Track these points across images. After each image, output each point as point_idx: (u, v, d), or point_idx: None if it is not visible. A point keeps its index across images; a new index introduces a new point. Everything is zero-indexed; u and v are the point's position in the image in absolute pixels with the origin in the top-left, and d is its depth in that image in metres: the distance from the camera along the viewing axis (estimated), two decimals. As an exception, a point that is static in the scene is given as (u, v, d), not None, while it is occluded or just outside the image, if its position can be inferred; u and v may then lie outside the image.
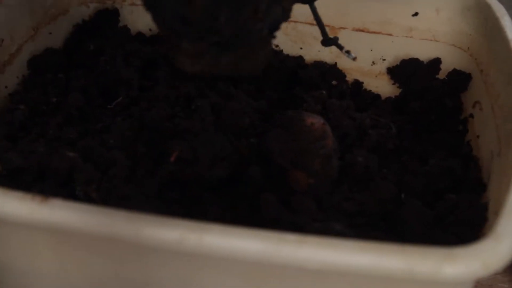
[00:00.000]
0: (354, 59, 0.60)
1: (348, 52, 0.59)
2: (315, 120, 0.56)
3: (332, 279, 0.43)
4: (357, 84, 0.70)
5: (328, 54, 0.71)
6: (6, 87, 0.62)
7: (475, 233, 0.50)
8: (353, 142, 0.58)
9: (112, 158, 0.53)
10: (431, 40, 0.68)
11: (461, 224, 0.52)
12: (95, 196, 0.51)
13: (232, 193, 0.53)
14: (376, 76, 0.71)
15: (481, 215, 0.51)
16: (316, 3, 0.56)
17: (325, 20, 0.57)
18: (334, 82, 0.69)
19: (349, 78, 0.71)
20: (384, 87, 0.70)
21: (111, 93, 0.62)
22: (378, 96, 0.70)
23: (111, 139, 0.56)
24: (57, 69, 0.65)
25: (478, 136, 0.60)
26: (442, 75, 0.68)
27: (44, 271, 0.48)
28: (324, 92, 0.62)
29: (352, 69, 0.71)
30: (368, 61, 0.71)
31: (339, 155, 0.56)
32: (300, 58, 0.71)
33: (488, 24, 0.62)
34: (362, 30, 0.70)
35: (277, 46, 0.72)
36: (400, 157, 0.59)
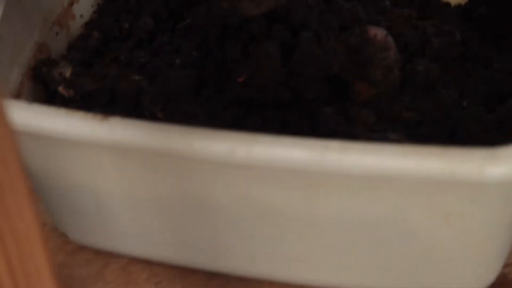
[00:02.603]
0: None
1: None
2: (378, 32, 0.56)
3: (379, 185, 0.44)
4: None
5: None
6: (81, 16, 0.65)
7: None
8: (415, 51, 0.58)
9: (177, 78, 0.55)
10: None
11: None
12: (161, 116, 0.54)
13: (295, 110, 0.54)
14: (445, -16, 0.69)
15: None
16: None
17: None
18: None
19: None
20: (453, -5, 0.69)
21: (182, 16, 0.64)
22: (447, 4, 0.68)
23: (178, 60, 0.58)
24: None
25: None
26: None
27: (113, 190, 0.50)
28: (387, 1, 0.61)
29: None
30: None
31: (401, 66, 0.56)
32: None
33: None
34: None
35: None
36: (463, 65, 0.58)
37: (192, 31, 0.59)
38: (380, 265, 0.50)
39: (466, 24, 0.63)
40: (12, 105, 0.45)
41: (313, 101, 0.54)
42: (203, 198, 0.49)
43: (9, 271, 0.27)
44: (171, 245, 0.54)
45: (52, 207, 0.55)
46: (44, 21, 0.62)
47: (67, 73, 0.58)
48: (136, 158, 0.48)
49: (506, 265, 0.53)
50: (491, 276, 0.51)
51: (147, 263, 0.56)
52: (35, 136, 0.46)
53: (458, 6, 0.67)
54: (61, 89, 0.57)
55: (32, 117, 0.46)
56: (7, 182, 0.25)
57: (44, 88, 0.58)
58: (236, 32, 0.56)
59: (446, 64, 0.58)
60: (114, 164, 0.48)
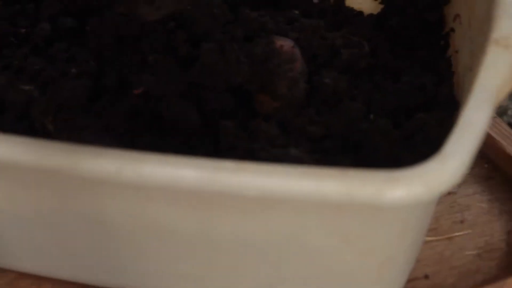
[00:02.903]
0: None
1: None
2: (284, 43, 0.54)
3: (275, 206, 0.42)
4: (339, 1, 0.67)
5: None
6: (-25, 19, 0.62)
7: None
8: (323, 63, 0.56)
9: (71, 88, 0.52)
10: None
11: (429, 144, 0.50)
12: (51, 128, 0.51)
13: (195, 124, 0.52)
14: (358, -7, 0.68)
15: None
16: None
17: None
18: (315, 1, 0.66)
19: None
20: (366, 3, 0.67)
21: (81, 22, 0.60)
22: (360, 13, 0.67)
23: (74, 69, 0.54)
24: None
25: (457, 51, 0.58)
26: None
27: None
28: (297, 11, 0.59)
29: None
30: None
31: (307, 78, 0.54)
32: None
33: None
34: None
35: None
36: (372, 77, 0.57)
37: (90, 39, 0.56)
38: (281, 285, 0.48)
39: (377, 34, 0.62)
40: None
41: (215, 113, 0.52)
42: (93, 215, 0.46)
43: None
44: (60, 260, 0.51)
45: None
46: None
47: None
48: (19, 175, 0.45)
49: (409, 281, 0.52)
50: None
51: (36, 278, 0.54)
52: None
53: (371, 15, 0.66)
54: None
55: None
56: None
57: None
58: (134, 41, 0.53)
59: (354, 76, 0.56)
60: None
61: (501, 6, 0.48)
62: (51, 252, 0.51)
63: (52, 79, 0.53)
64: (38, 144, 0.42)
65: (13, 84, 0.52)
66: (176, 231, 0.45)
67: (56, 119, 0.51)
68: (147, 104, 0.51)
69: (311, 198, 0.40)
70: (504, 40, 0.46)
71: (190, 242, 0.46)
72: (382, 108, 0.53)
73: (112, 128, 0.50)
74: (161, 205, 0.44)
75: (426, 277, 0.54)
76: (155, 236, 0.46)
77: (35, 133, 0.51)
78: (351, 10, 0.67)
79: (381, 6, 0.66)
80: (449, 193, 0.60)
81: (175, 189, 0.41)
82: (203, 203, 0.43)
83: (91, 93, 0.52)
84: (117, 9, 0.48)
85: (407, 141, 0.50)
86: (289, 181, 0.40)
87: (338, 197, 0.39)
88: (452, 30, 0.60)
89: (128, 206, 0.45)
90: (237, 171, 0.40)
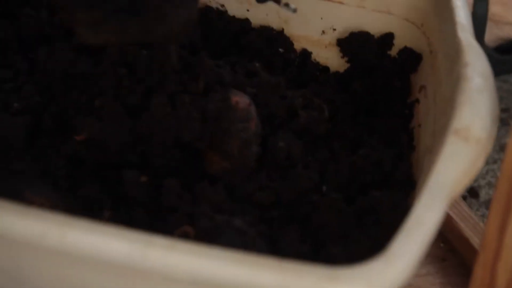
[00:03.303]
0: (295, 10, 0.54)
1: (287, 4, 0.54)
2: (241, 99, 0.51)
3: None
4: (305, 54, 0.65)
5: (276, 19, 0.66)
6: None
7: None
8: (280, 124, 0.54)
9: (10, 125, 0.49)
10: (384, 12, 0.63)
11: (381, 227, 0.48)
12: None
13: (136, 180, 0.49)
14: (325, 47, 0.65)
15: (404, 219, 0.47)
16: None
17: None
18: (280, 50, 0.64)
19: (297, 46, 0.65)
20: (333, 59, 0.65)
21: (32, 48, 0.57)
22: (326, 68, 0.65)
23: (16, 103, 0.51)
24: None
25: (420, 125, 0.55)
26: (393, 51, 0.62)
27: None
28: (258, 64, 0.57)
29: (300, 37, 0.65)
30: (317, 30, 0.65)
31: (260, 141, 0.51)
32: (246, 21, 0.66)
33: (441, 1, 0.57)
34: (312, -4, 0.64)
35: (222, 6, 0.66)
36: (330, 144, 0.54)
37: (37, 71, 0.53)
38: None
39: (340, 96, 0.59)
40: None
41: (160, 170, 0.49)
42: (13, 273, 0.43)
43: None
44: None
45: None
46: None
47: None
48: None
49: None
50: None
51: None
52: None
53: (336, 72, 0.64)
54: None
55: None
56: None
57: None
58: (83, 79, 0.50)
59: (311, 141, 0.53)
60: None
61: (465, 92, 0.45)
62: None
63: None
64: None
65: None
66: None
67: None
68: (89, 152, 0.48)
69: (245, 287, 0.37)
70: (464, 131, 0.43)
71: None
72: (335, 180, 0.51)
73: (50, 175, 0.47)
74: (87, 271, 0.41)
75: None
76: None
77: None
78: (317, 65, 0.64)
79: (348, 64, 0.64)
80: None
81: (102, 260, 0.38)
82: (133, 275, 0.40)
83: (32, 132, 0.49)
84: (60, 17, 0.45)
85: (358, 220, 0.48)
86: (223, 267, 0.37)
87: (273, 288, 0.37)
88: (417, 101, 0.58)
89: (52, 269, 0.41)
90: (170, 249, 0.37)
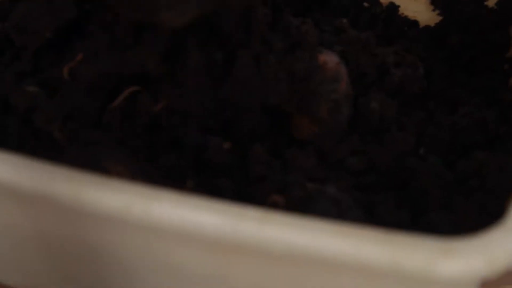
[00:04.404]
0: None
1: None
2: (329, 59, 0.47)
3: (303, 265, 0.36)
4: (392, 8, 0.61)
5: (361, -29, 0.62)
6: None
7: (502, 205, 0.42)
8: (371, 83, 0.50)
9: (82, 96, 0.46)
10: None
11: (486, 192, 0.44)
12: (59, 137, 0.45)
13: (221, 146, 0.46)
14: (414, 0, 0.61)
15: (512, 183, 0.43)
16: None
17: None
18: (366, 5, 0.60)
19: (384, 0, 0.61)
20: (423, 12, 0.60)
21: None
22: (415, 23, 0.60)
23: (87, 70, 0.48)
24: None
25: (524, 80, 0.51)
26: (490, 2, 0.58)
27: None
28: (345, 20, 0.53)
29: (386, -10, 0.61)
30: (406, -19, 0.61)
31: (352, 102, 0.48)
32: (328, -27, 0.62)
33: None
34: None
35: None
36: (426, 104, 0.50)
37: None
38: None
39: (434, 52, 0.55)
40: None
41: (245, 136, 0.45)
42: (95, 247, 0.40)
43: None
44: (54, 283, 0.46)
45: None
46: None
47: None
48: (14, 196, 0.39)
49: None
50: None
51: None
52: None
53: (427, 27, 0.59)
54: None
55: None
56: None
57: None
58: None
59: (405, 101, 0.49)
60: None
61: None
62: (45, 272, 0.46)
63: (58, 81, 0.46)
64: (37, 167, 0.37)
65: (18, 83, 0.46)
66: (189, 272, 0.40)
67: (64, 128, 0.45)
68: (169, 119, 0.45)
69: (347, 262, 0.34)
70: None
71: (204, 284, 0.40)
72: (434, 143, 0.47)
73: (127, 145, 0.44)
74: (173, 245, 0.38)
75: None
76: (163, 275, 0.41)
77: (40, 140, 0.45)
78: (405, 19, 0.60)
79: (440, 18, 0.59)
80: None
81: (190, 235, 0.35)
82: (222, 249, 0.37)
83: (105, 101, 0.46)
84: (135, 15, 0.42)
85: (461, 185, 0.44)
86: (324, 241, 0.34)
87: (381, 265, 0.33)
88: (519, 55, 0.53)
89: (136, 243, 0.39)
90: (263, 222, 0.34)
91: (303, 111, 0.46)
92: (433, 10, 0.60)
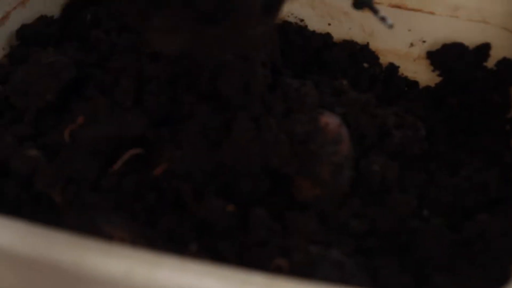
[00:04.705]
0: (391, 26, 0.51)
1: (383, 18, 0.50)
2: (330, 120, 0.47)
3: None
4: (392, 68, 0.61)
5: (360, 33, 0.62)
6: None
7: (506, 269, 0.42)
8: (372, 145, 0.49)
9: (82, 159, 0.46)
10: (479, 21, 0.58)
11: (490, 256, 0.43)
12: (59, 200, 0.45)
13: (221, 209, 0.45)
14: (414, 60, 0.61)
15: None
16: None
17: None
18: (365, 65, 0.60)
19: (383, 61, 0.61)
20: (423, 73, 0.61)
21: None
22: (415, 83, 0.60)
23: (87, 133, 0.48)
24: (48, 41, 0.58)
25: (525, 142, 0.51)
26: (490, 63, 0.58)
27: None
28: (345, 81, 0.53)
29: (386, 51, 0.61)
30: (405, 42, 0.61)
31: (353, 164, 0.47)
32: (327, 36, 0.62)
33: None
34: (399, 7, 0.60)
35: (302, 20, 0.63)
36: (427, 165, 0.50)
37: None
38: None
39: (434, 112, 0.55)
40: None
41: (246, 199, 0.45)
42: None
43: None
44: None
45: None
46: None
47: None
48: (12, 262, 0.39)
49: None
50: None
51: None
52: None
53: (427, 87, 0.59)
54: None
55: None
56: None
57: None
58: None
59: (406, 162, 0.49)
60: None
61: None
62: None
63: (58, 145, 0.46)
64: (37, 232, 0.37)
65: (18, 147, 0.46)
66: None
67: (65, 191, 0.44)
68: (169, 183, 0.45)
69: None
70: None
71: None
72: (436, 205, 0.47)
73: (127, 208, 0.44)
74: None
75: None
76: None
77: (39, 203, 0.45)
78: (405, 79, 0.60)
79: (439, 78, 0.60)
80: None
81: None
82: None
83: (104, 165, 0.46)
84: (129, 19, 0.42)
85: (464, 248, 0.44)
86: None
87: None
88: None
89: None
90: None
91: (304, 173, 0.46)
92: (433, 71, 0.60)
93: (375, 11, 0.46)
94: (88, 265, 0.35)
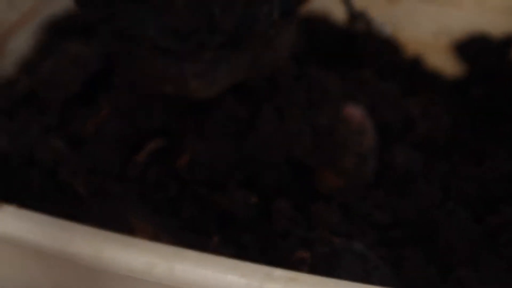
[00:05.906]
0: (390, 34, 0.51)
1: (381, 28, 0.50)
2: (354, 111, 0.47)
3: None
4: (416, 59, 0.60)
5: (385, 23, 0.61)
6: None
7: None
8: (396, 136, 0.49)
9: (106, 150, 0.46)
10: (505, 13, 0.58)
11: (515, 248, 0.43)
12: (82, 190, 0.45)
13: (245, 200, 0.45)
14: (438, 51, 0.61)
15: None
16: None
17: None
18: (390, 56, 0.59)
19: (408, 51, 0.61)
20: (447, 64, 0.60)
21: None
22: (440, 74, 0.60)
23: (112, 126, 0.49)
24: (76, 33, 0.58)
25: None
26: (516, 55, 0.57)
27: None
28: (369, 72, 0.52)
29: (411, 42, 0.61)
30: (430, 33, 0.61)
31: (377, 155, 0.47)
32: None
33: None
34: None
35: (326, 12, 0.62)
36: (452, 156, 0.49)
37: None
38: None
39: (458, 104, 0.54)
40: None
41: (268, 191, 0.45)
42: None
43: None
44: None
45: None
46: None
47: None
48: (34, 254, 0.39)
49: None
50: None
51: None
52: None
53: (451, 78, 0.59)
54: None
55: None
56: None
57: None
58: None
59: (430, 153, 0.49)
60: (9, 255, 0.39)
61: None
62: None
63: (87, 137, 0.47)
64: (60, 225, 0.37)
65: (43, 137, 0.46)
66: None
67: (88, 181, 0.45)
68: (192, 173, 0.45)
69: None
70: None
71: None
72: (460, 196, 0.46)
73: (151, 199, 0.44)
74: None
75: None
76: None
77: (63, 192, 0.45)
78: (430, 70, 0.60)
79: (464, 69, 0.59)
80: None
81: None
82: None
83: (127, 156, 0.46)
84: (164, 89, 0.41)
85: (490, 240, 0.43)
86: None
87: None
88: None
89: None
90: (289, 282, 0.34)
91: (328, 164, 0.46)
92: (458, 62, 0.60)
93: (370, 25, 0.46)
94: (107, 258, 0.36)
